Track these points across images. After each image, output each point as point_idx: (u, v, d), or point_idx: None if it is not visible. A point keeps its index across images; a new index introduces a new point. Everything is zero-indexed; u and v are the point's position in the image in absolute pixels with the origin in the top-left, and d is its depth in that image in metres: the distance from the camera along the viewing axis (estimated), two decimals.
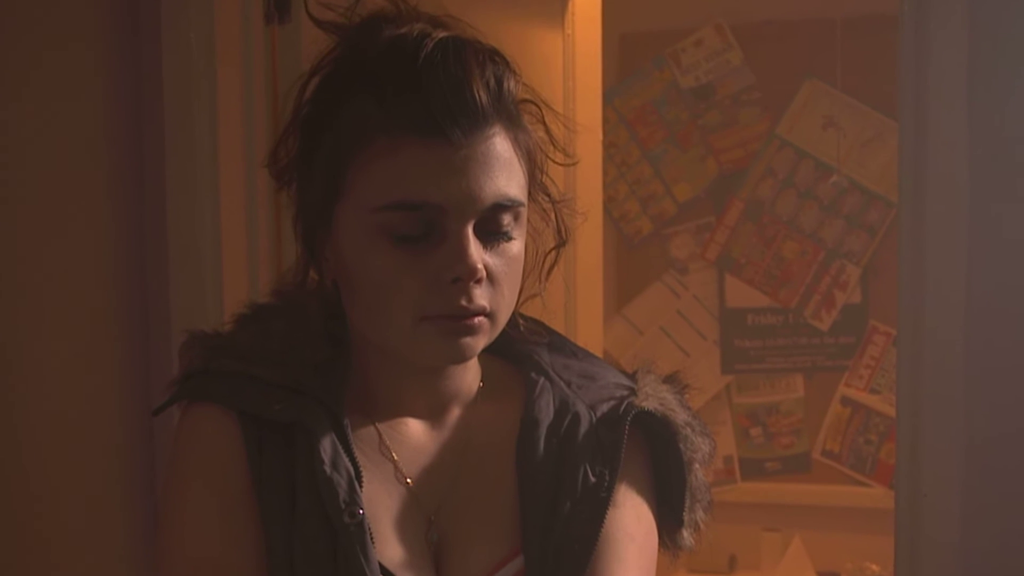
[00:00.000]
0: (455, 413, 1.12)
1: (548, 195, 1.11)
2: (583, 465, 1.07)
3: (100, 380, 1.84)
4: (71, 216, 1.78)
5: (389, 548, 1.04)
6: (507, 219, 1.02)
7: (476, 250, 1.00)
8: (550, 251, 1.13)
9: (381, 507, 1.05)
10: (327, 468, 1.01)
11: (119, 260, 1.87)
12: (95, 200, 1.84)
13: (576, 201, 1.17)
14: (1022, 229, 1.58)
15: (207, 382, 1.07)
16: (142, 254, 1.91)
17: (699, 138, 3.51)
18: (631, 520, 1.08)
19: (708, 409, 3.43)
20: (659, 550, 1.13)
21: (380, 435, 1.09)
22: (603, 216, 3.11)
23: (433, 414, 1.11)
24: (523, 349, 1.16)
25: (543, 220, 1.11)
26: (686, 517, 1.12)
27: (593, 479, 1.06)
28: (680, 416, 1.11)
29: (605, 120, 3.08)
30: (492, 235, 1.02)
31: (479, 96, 0.99)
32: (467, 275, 0.99)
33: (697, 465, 1.12)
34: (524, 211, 1.05)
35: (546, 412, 1.10)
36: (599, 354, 1.35)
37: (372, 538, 1.00)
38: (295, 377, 1.06)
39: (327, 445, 1.02)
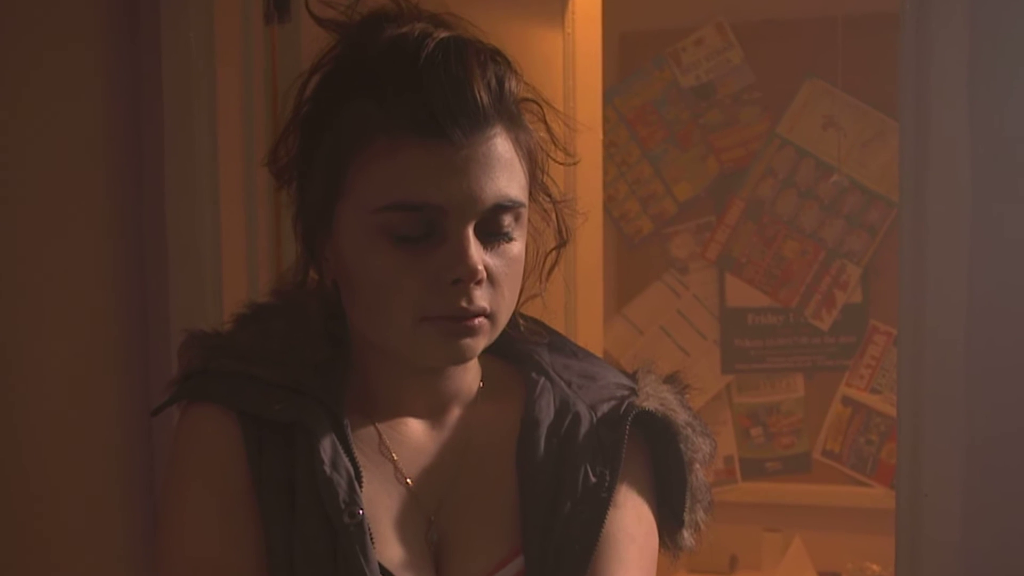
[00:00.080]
0: (455, 413, 1.12)
1: (549, 195, 1.11)
2: (583, 465, 1.06)
3: (99, 380, 1.84)
4: (70, 216, 1.78)
5: (389, 548, 1.04)
6: (508, 220, 1.02)
7: (476, 251, 0.99)
8: (551, 251, 1.13)
9: (381, 507, 1.05)
10: (327, 468, 1.01)
11: (118, 260, 1.87)
12: (94, 200, 1.83)
13: (577, 201, 1.17)
14: (1023, 228, 1.58)
15: (206, 382, 1.07)
16: (141, 254, 1.91)
17: (699, 137, 3.51)
18: (632, 520, 1.07)
19: (708, 409, 3.43)
20: (659, 550, 1.13)
21: (380, 435, 1.09)
22: (603, 216, 3.11)
23: (433, 414, 1.11)
24: (523, 349, 1.16)
25: (544, 220, 1.11)
26: (687, 517, 1.11)
27: (594, 479, 1.06)
28: (681, 416, 1.11)
29: (605, 119, 3.08)
30: (493, 236, 1.02)
31: (480, 96, 0.98)
32: (467, 276, 0.99)
33: (698, 465, 1.12)
34: (525, 212, 1.04)
35: (546, 412, 1.10)
36: (599, 354, 1.35)
37: (372, 538, 1.00)
38: (295, 377, 1.06)
39: (327, 445, 1.02)
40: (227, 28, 1.95)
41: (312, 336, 1.09)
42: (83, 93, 1.81)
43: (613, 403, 1.11)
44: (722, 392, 3.51)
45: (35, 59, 1.71)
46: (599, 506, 1.05)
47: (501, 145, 1.01)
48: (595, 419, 1.10)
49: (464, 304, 1.00)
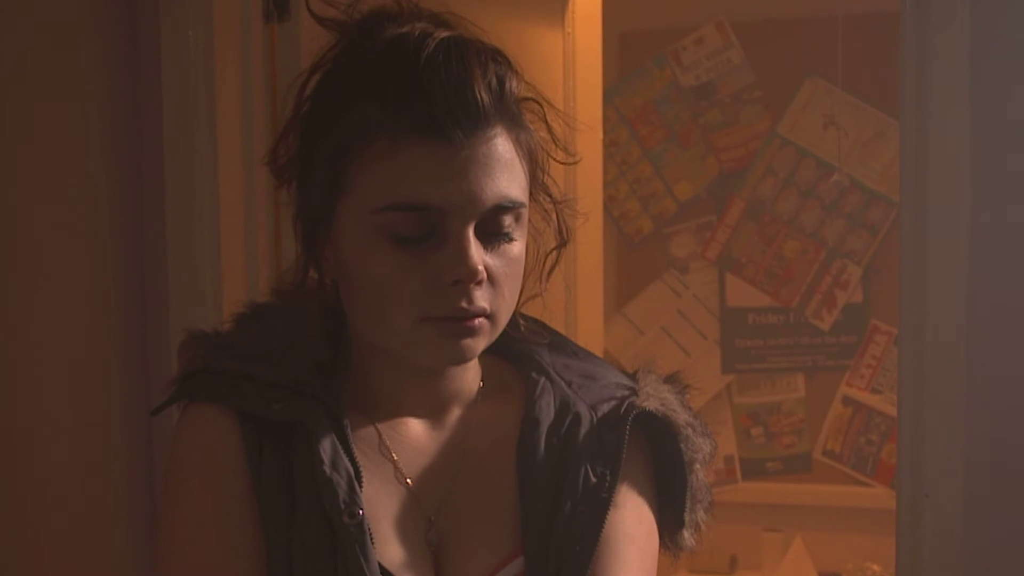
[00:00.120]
0: (455, 413, 1.12)
1: (550, 195, 1.10)
2: (584, 466, 1.06)
3: (99, 380, 1.84)
4: (69, 216, 1.78)
5: (389, 549, 1.03)
6: (508, 220, 1.02)
7: (477, 252, 0.99)
8: (551, 251, 1.13)
9: (381, 508, 1.05)
10: (327, 468, 1.01)
11: (117, 259, 1.87)
12: (93, 199, 1.83)
13: (577, 201, 1.17)
14: (1023, 228, 1.58)
15: (206, 382, 1.07)
16: (140, 253, 1.91)
17: (700, 137, 3.51)
18: (632, 521, 1.07)
19: (709, 409, 3.42)
20: (660, 551, 1.12)
21: (380, 435, 1.09)
22: (603, 215, 3.11)
23: (433, 414, 1.11)
24: (524, 349, 1.16)
25: (544, 220, 1.11)
26: (687, 518, 1.11)
27: (594, 480, 1.05)
28: (681, 416, 1.11)
29: (605, 119, 3.08)
30: (493, 236, 1.01)
31: (481, 97, 0.98)
32: (468, 277, 0.99)
33: (698, 465, 1.12)
34: (525, 212, 1.04)
35: (547, 412, 1.10)
36: (600, 354, 1.35)
37: (372, 539, 1.00)
38: (295, 377, 1.05)
39: (327, 445, 1.02)
40: (226, 26, 1.95)
41: (312, 336, 1.09)
42: (82, 91, 1.81)
43: (613, 403, 1.11)
44: (722, 392, 3.51)
45: (34, 57, 1.71)
46: (599, 506, 1.04)
47: (502, 145, 1.00)
48: (595, 419, 1.09)
49: (464, 305, 0.99)
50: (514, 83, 1.03)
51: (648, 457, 1.11)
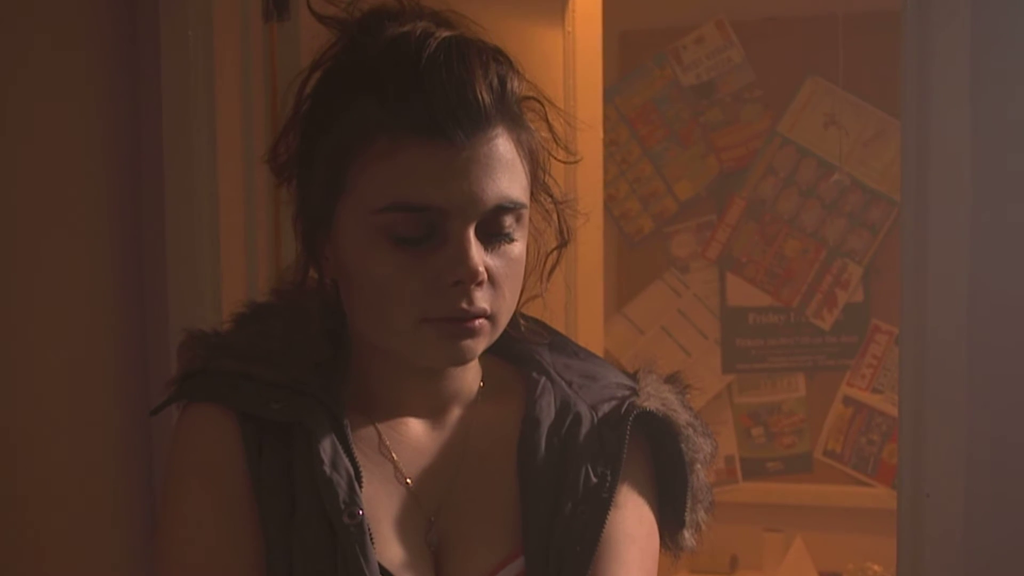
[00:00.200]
0: (455, 413, 1.12)
1: (550, 195, 1.10)
2: (584, 466, 1.06)
3: (98, 380, 1.84)
4: (69, 216, 1.78)
5: (389, 549, 1.03)
6: (509, 221, 1.01)
7: (477, 252, 0.99)
8: (551, 251, 1.12)
9: (381, 508, 1.05)
10: (327, 468, 1.01)
11: (116, 259, 1.87)
12: (93, 199, 1.83)
13: (578, 201, 1.16)
14: None
15: (206, 382, 1.06)
16: (140, 252, 1.90)
17: (700, 136, 3.50)
18: (633, 521, 1.07)
19: (709, 409, 3.42)
20: (660, 551, 1.12)
21: (380, 435, 1.08)
22: (604, 215, 3.10)
23: (433, 414, 1.11)
24: (524, 349, 1.15)
25: (545, 220, 1.11)
26: (688, 518, 1.11)
27: (595, 480, 1.05)
28: (682, 416, 1.11)
29: (606, 118, 3.08)
30: (494, 236, 1.01)
31: (482, 97, 0.98)
32: (468, 278, 0.98)
33: (699, 465, 1.12)
34: (526, 212, 1.04)
35: (547, 412, 1.10)
36: (600, 353, 1.35)
37: (372, 539, 1.00)
38: (294, 377, 1.05)
39: (327, 445, 1.02)
40: (226, 25, 1.95)
41: (312, 336, 1.08)
42: (82, 91, 1.81)
43: (614, 403, 1.11)
44: (723, 392, 3.51)
45: (34, 57, 1.71)
46: (600, 507, 1.04)
47: (503, 146, 1.00)
48: (596, 419, 1.09)
49: (465, 305, 0.99)
50: (515, 83, 1.02)
51: (649, 457, 1.11)
